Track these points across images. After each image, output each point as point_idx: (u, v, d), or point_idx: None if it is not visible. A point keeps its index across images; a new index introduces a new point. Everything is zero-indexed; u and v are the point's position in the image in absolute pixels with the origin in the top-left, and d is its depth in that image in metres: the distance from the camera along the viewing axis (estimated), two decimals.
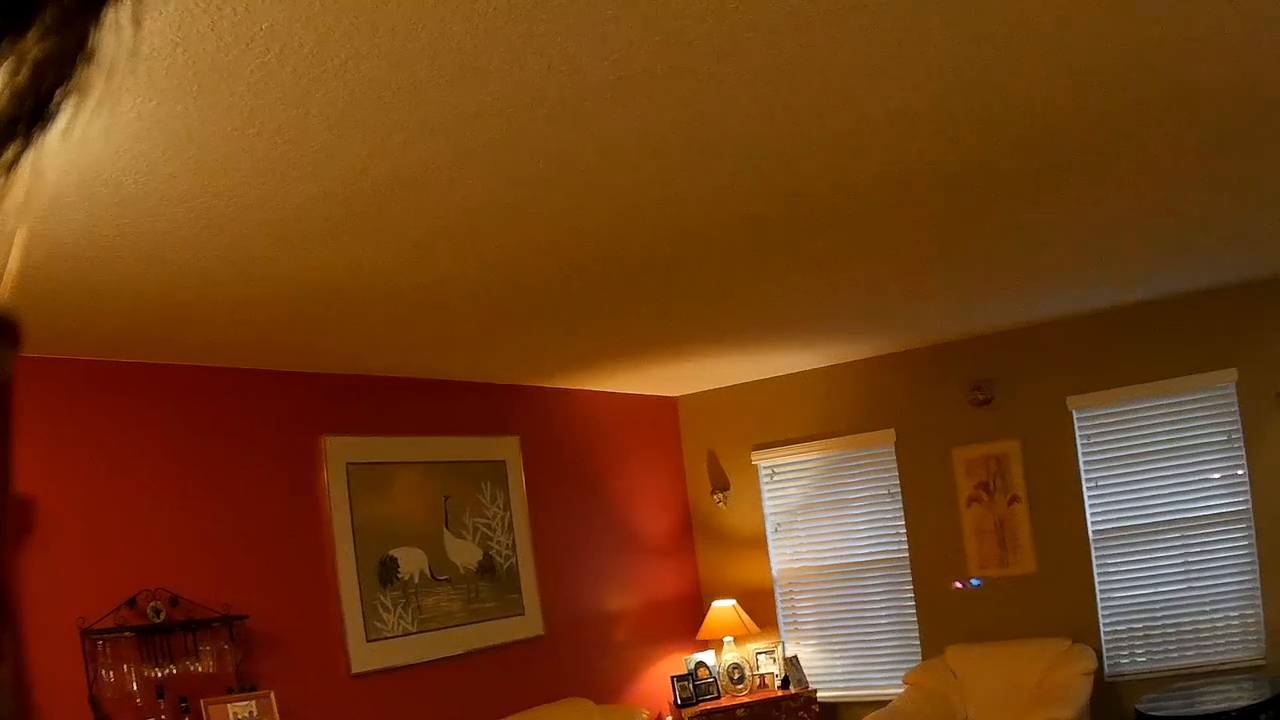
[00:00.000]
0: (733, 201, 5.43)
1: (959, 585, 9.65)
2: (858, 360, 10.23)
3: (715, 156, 4.85)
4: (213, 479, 6.95)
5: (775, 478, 10.77)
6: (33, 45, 0.55)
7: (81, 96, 0.58)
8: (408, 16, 3.39)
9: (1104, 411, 9.21)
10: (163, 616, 6.38)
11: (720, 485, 10.99)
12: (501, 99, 4.02)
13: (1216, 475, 8.88)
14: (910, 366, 10.02)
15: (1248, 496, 8.71)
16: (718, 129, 4.55)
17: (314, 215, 4.86)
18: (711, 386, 10.87)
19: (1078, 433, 9.30)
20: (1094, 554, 9.26)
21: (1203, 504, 8.93)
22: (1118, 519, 9.22)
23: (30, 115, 0.56)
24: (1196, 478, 8.95)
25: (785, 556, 10.76)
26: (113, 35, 0.58)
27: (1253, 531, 8.69)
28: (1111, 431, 9.22)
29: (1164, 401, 9.00)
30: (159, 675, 6.31)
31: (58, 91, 0.57)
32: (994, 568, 9.64)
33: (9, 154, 0.57)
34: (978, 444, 9.71)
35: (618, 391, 10.35)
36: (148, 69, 3.39)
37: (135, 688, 6.20)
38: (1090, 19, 3.84)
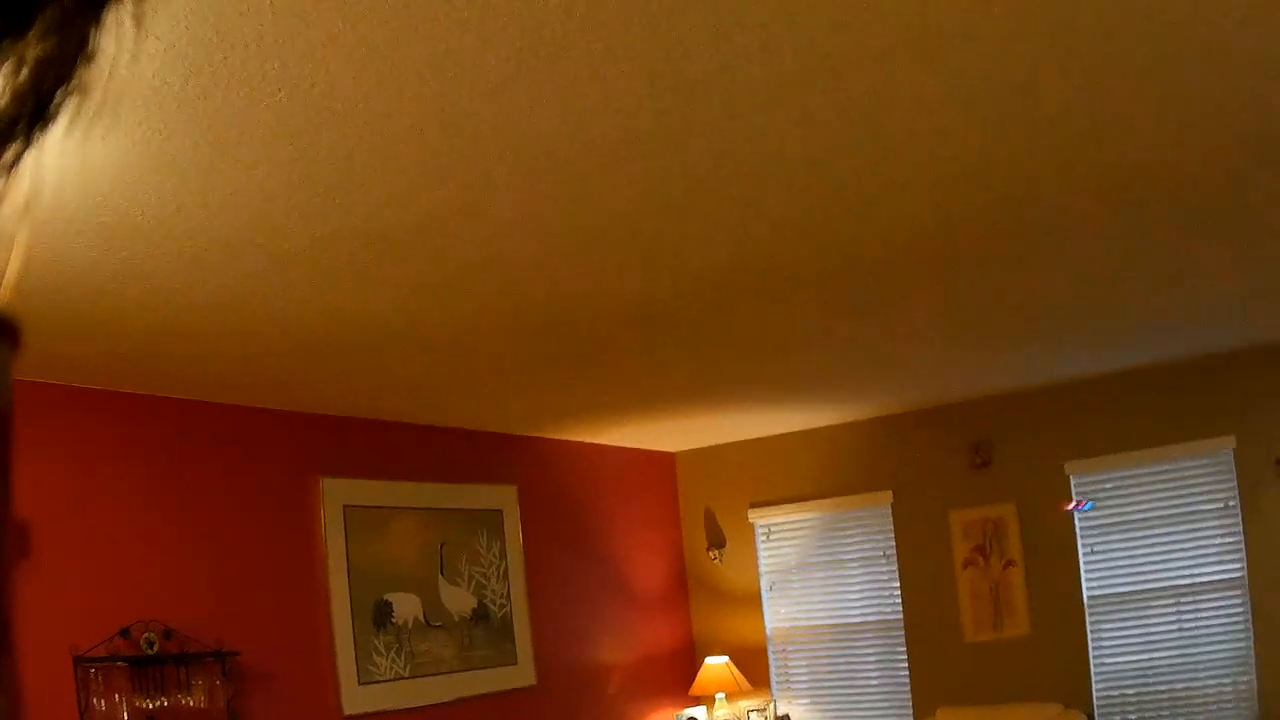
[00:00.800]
0: (733, 260, 5.45)
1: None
2: (857, 421, 10.24)
3: (717, 214, 4.89)
4: (211, 514, 6.94)
5: (771, 536, 10.76)
6: (33, 46, 0.55)
7: (82, 97, 0.58)
8: (417, 63, 3.42)
9: (1101, 477, 9.22)
10: (156, 648, 6.38)
11: (716, 542, 10.98)
12: (509, 150, 4.05)
13: (1213, 542, 8.88)
14: (909, 428, 10.04)
15: (1243, 564, 8.71)
16: (722, 187, 4.58)
17: (320, 257, 4.88)
18: (710, 443, 10.88)
19: (1075, 497, 9.31)
20: (1088, 619, 9.25)
21: (1198, 571, 8.92)
22: (1113, 584, 9.21)
23: (31, 115, 0.57)
24: (1192, 544, 8.95)
25: (780, 615, 10.74)
26: (113, 36, 0.58)
27: (1247, 599, 8.69)
28: (1109, 497, 9.22)
29: (1162, 468, 9.00)
30: (150, 707, 6.29)
31: (59, 92, 0.57)
32: (988, 631, 9.63)
33: (10, 154, 0.57)
34: (975, 507, 9.71)
35: (616, 445, 10.36)
36: (159, 102, 3.42)
37: (126, 718, 6.20)
38: (1091, 88, 3.89)
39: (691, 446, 11.01)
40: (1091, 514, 9.23)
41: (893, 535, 10.12)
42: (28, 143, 0.57)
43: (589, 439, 9.96)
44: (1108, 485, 9.21)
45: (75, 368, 6.03)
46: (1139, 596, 9.11)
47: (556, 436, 9.65)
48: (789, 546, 10.69)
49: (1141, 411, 9.03)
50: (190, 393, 6.85)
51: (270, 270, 4.96)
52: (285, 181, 4.12)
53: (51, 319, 5.12)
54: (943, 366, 8.38)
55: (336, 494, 7.71)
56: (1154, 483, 9.06)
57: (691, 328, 6.58)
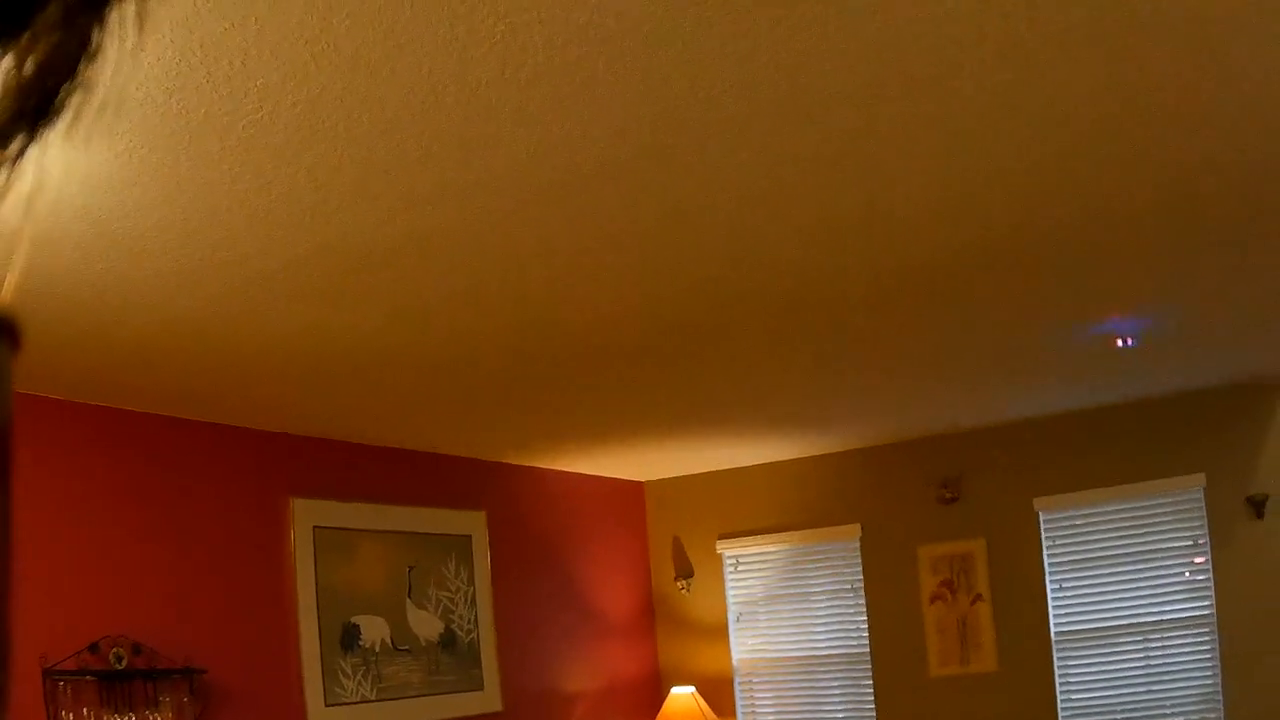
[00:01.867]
0: (705, 293, 5.49)
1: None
2: (826, 454, 10.25)
3: (692, 246, 4.92)
4: (181, 530, 6.92)
5: (739, 567, 10.76)
6: (37, 42, 0.55)
7: (86, 94, 0.58)
8: (400, 85, 3.44)
9: (1071, 513, 9.25)
10: (124, 664, 6.35)
11: (684, 572, 10.98)
12: (489, 175, 4.07)
13: (1181, 579, 8.92)
14: (878, 462, 10.05)
15: (1211, 601, 8.75)
16: (696, 220, 4.61)
17: (297, 276, 4.88)
18: (679, 473, 10.88)
19: (1043, 534, 9.33)
20: (1055, 655, 9.27)
21: (1166, 608, 8.95)
22: (1081, 621, 9.23)
23: (35, 112, 0.57)
24: (1161, 581, 8.98)
25: (746, 646, 10.73)
26: (115, 35, 0.58)
27: (1215, 636, 8.71)
28: (1078, 533, 9.25)
29: (1131, 505, 9.03)
30: None
31: (62, 89, 0.57)
32: (954, 666, 9.64)
33: (13, 149, 0.57)
34: (943, 542, 9.72)
35: (586, 473, 10.36)
36: (142, 114, 3.42)
37: None
38: (1078, 113, 3.92)
39: (661, 476, 11.01)
40: (1060, 550, 9.26)
41: (860, 569, 10.12)
42: (31, 139, 0.57)
43: (559, 466, 9.96)
44: (1077, 522, 9.24)
45: (48, 378, 6.01)
46: (1107, 633, 9.13)
47: (527, 463, 9.65)
48: (757, 578, 10.68)
49: (1112, 448, 9.06)
50: (164, 408, 6.83)
51: (247, 288, 4.96)
52: (265, 199, 4.13)
53: (26, 329, 5.05)
54: (912, 401, 8.41)
55: (307, 515, 7.70)
56: (1124, 520, 9.09)
57: (663, 358, 6.61)
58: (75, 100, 0.58)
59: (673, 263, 5.10)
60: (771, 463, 10.49)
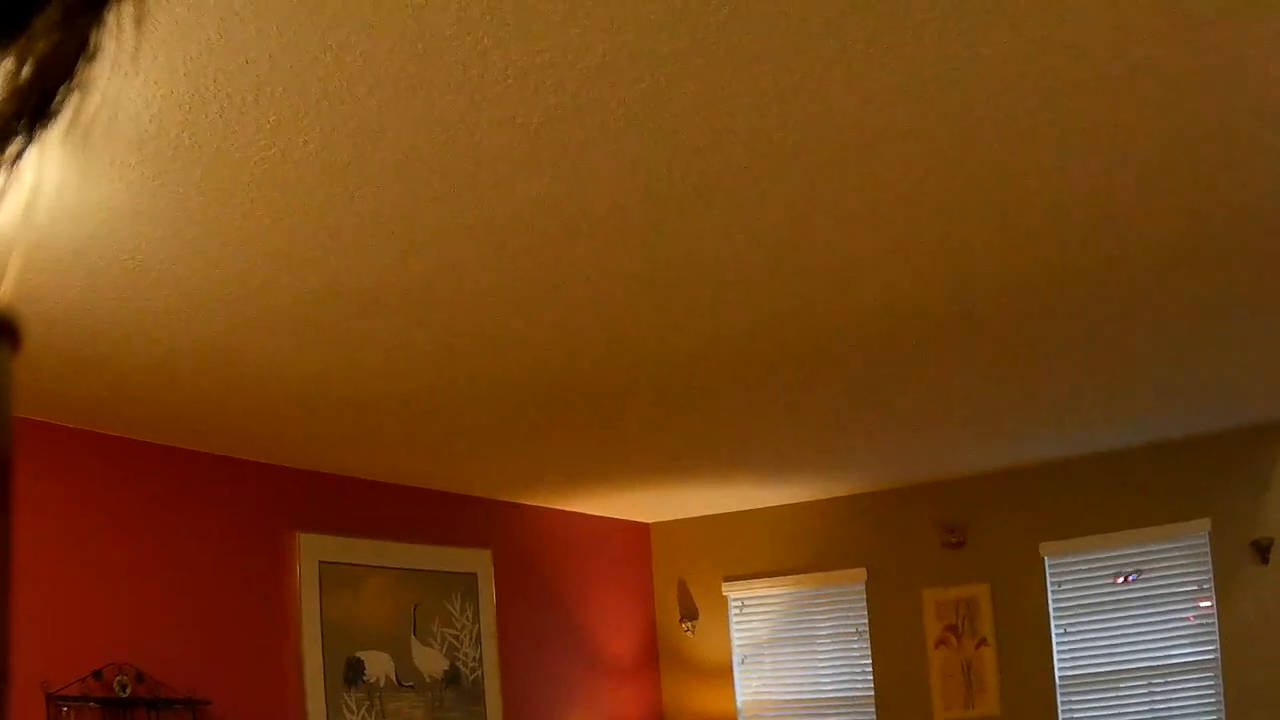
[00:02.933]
0: (713, 338, 5.51)
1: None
2: (832, 498, 10.24)
3: (698, 295, 4.94)
4: (187, 560, 6.92)
5: (745, 610, 10.74)
6: (35, 43, 0.55)
7: (84, 94, 0.58)
8: (411, 128, 3.46)
9: (1076, 558, 9.23)
10: (128, 692, 6.35)
11: (689, 614, 10.96)
12: (500, 218, 4.09)
13: (1186, 623, 8.90)
14: (884, 506, 10.04)
15: (1216, 646, 8.73)
16: (704, 269, 4.64)
17: (305, 314, 4.91)
18: (685, 515, 10.86)
19: (1049, 578, 9.32)
20: (1059, 700, 9.24)
21: (1171, 652, 8.92)
22: (1085, 665, 9.20)
23: (33, 112, 0.57)
24: (1166, 626, 8.96)
25: (751, 689, 10.70)
26: (114, 35, 0.58)
27: (1220, 681, 8.69)
28: (1082, 578, 9.23)
29: (1137, 550, 9.02)
30: None
31: (61, 90, 0.57)
32: (959, 710, 9.61)
33: (12, 151, 0.57)
34: (948, 586, 9.71)
35: (592, 514, 10.35)
36: (154, 147, 3.45)
37: None
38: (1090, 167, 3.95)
39: (667, 518, 10.99)
40: (1065, 595, 9.24)
41: (866, 612, 10.10)
42: (30, 140, 0.58)
43: (565, 506, 9.96)
44: (1082, 566, 9.22)
45: (57, 405, 6.01)
46: (1111, 677, 9.10)
47: (533, 503, 9.65)
48: (762, 621, 10.66)
49: (1117, 493, 9.05)
50: (173, 439, 6.83)
51: (255, 323, 4.99)
52: (276, 235, 4.15)
53: (35, 355, 5.10)
54: (918, 446, 8.41)
55: (313, 549, 7.70)
56: (1129, 565, 9.08)
57: (670, 402, 6.62)
58: (73, 101, 0.58)
59: (681, 308, 5.12)
60: (778, 506, 10.47)
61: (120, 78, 3.00)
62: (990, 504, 9.55)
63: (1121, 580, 9.12)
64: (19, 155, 0.58)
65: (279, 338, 5.19)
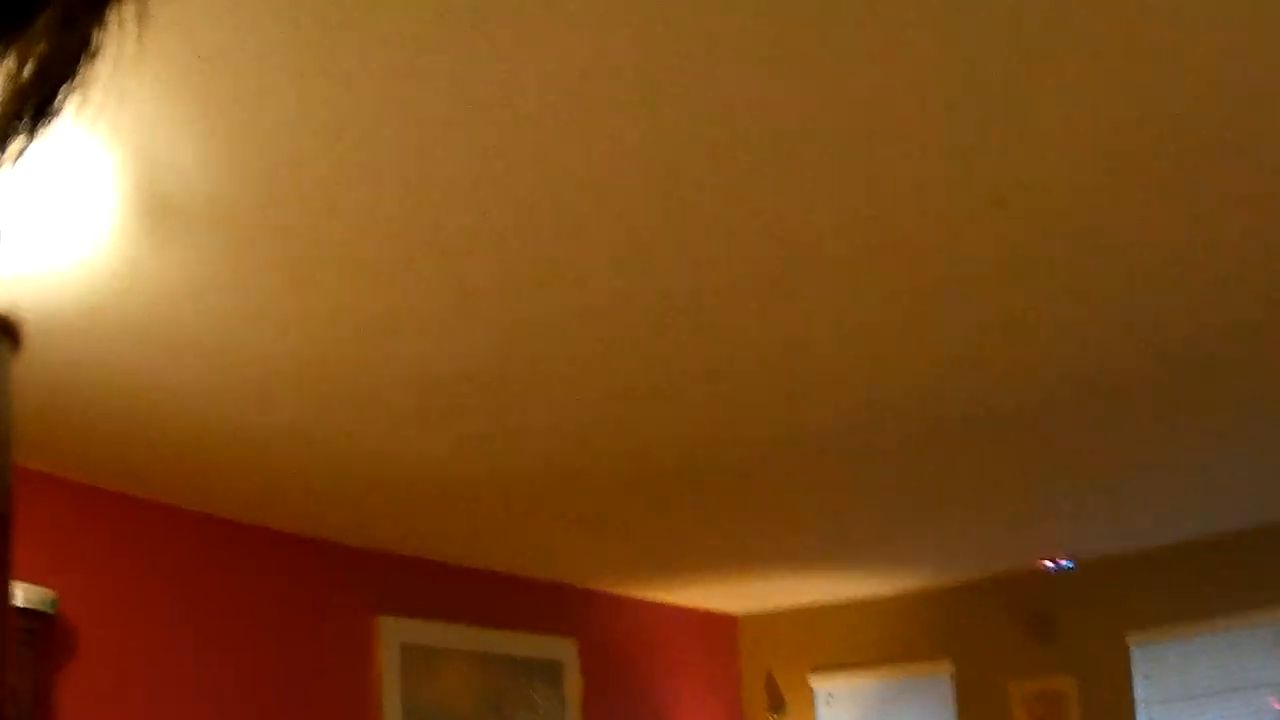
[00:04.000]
0: (800, 425, 5.50)
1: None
2: (920, 589, 10.17)
3: (789, 378, 4.94)
4: (267, 641, 6.91)
5: (832, 702, 10.66)
6: (37, 43, 0.56)
7: (85, 94, 0.59)
8: (501, 208, 3.47)
9: (1164, 648, 9.10)
10: None
11: (777, 706, 10.88)
12: (590, 304, 4.12)
13: (1276, 713, 8.74)
14: (970, 597, 9.96)
15: None
16: (794, 352, 4.66)
17: (390, 396, 4.92)
18: (772, 606, 10.80)
19: (1136, 670, 9.20)
20: None
21: None
22: None
23: (35, 111, 0.58)
24: (1256, 716, 8.81)
25: None
26: (116, 35, 0.59)
27: None
28: (1171, 668, 9.10)
29: (1226, 638, 8.89)
30: None
31: (62, 89, 0.58)
32: None
33: (13, 149, 0.58)
34: (1035, 679, 9.60)
35: (679, 604, 10.33)
36: (231, 221, 3.48)
37: None
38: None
39: (754, 609, 10.94)
40: (1154, 686, 9.09)
41: (953, 704, 10.00)
42: (32, 137, 0.58)
43: (652, 596, 9.94)
44: (1170, 657, 9.09)
45: (134, 478, 5.97)
46: None
47: (619, 592, 9.64)
48: (850, 713, 10.57)
49: (1205, 582, 8.92)
50: (249, 517, 6.79)
51: (339, 404, 4.99)
52: (360, 317, 4.16)
53: (109, 424, 5.10)
54: (1004, 537, 8.36)
55: (395, 633, 7.69)
56: (1218, 654, 8.94)
57: (757, 492, 6.60)
58: (75, 100, 0.60)
59: (766, 398, 5.12)
60: (865, 598, 10.42)
61: (198, 149, 3.07)
62: (1076, 594, 9.44)
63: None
64: (21, 154, 0.59)
65: (363, 419, 5.19)
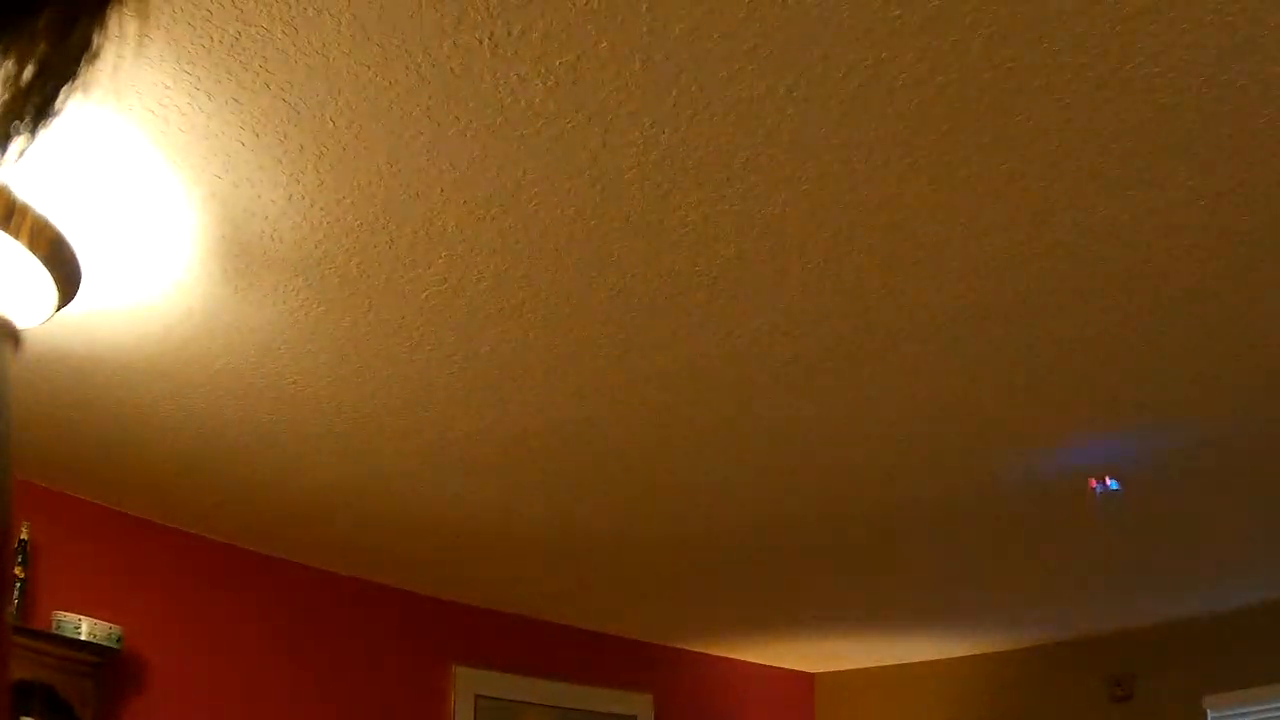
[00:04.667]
0: (878, 489, 5.46)
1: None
2: (996, 651, 10.07)
3: (872, 444, 4.90)
4: (342, 688, 6.91)
5: None
6: (37, 44, 0.57)
7: (85, 94, 0.59)
8: (590, 268, 3.45)
9: (1242, 710, 8.94)
10: None
11: None
12: (667, 369, 4.10)
13: None
14: (1049, 659, 9.84)
15: None
16: (876, 416, 4.60)
17: (473, 450, 4.91)
18: (849, 665, 10.74)
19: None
20: None
21: None
22: None
23: (36, 111, 0.58)
24: None
25: None
26: (115, 35, 0.60)
27: None
28: None
29: None
30: None
31: (63, 89, 0.58)
32: None
33: (15, 148, 0.58)
34: None
35: (755, 662, 10.26)
36: (320, 274, 3.48)
37: None
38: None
39: (831, 668, 10.88)
40: None
41: None
42: (32, 137, 0.59)
43: (729, 654, 9.88)
44: (1249, 719, 8.93)
45: (212, 522, 6.02)
46: None
47: (696, 648, 9.58)
48: None
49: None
50: (329, 564, 6.83)
51: (418, 456, 5.00)
52: (444, 372, 4.16)
53: (182, 463, 5.13)
54: (1083, 600, 8.27)
55: (469, 683, 7.67)
56: None
57: (836, 555, 6.57)
58: (75, 100, 0.59)
59: (849, 463, 5.09)
60: (943, 659, 10.33)
61: (282, 196, 3.06)
62: (1154, 657, 9.31)
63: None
64: (22, 154, 0.59)
65: (442, 472, 5.19)
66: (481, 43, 2.54)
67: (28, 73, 0.57)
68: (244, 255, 3.36)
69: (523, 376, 4.19)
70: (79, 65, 0.58)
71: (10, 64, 0.56)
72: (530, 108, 2.76)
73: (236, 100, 2.70)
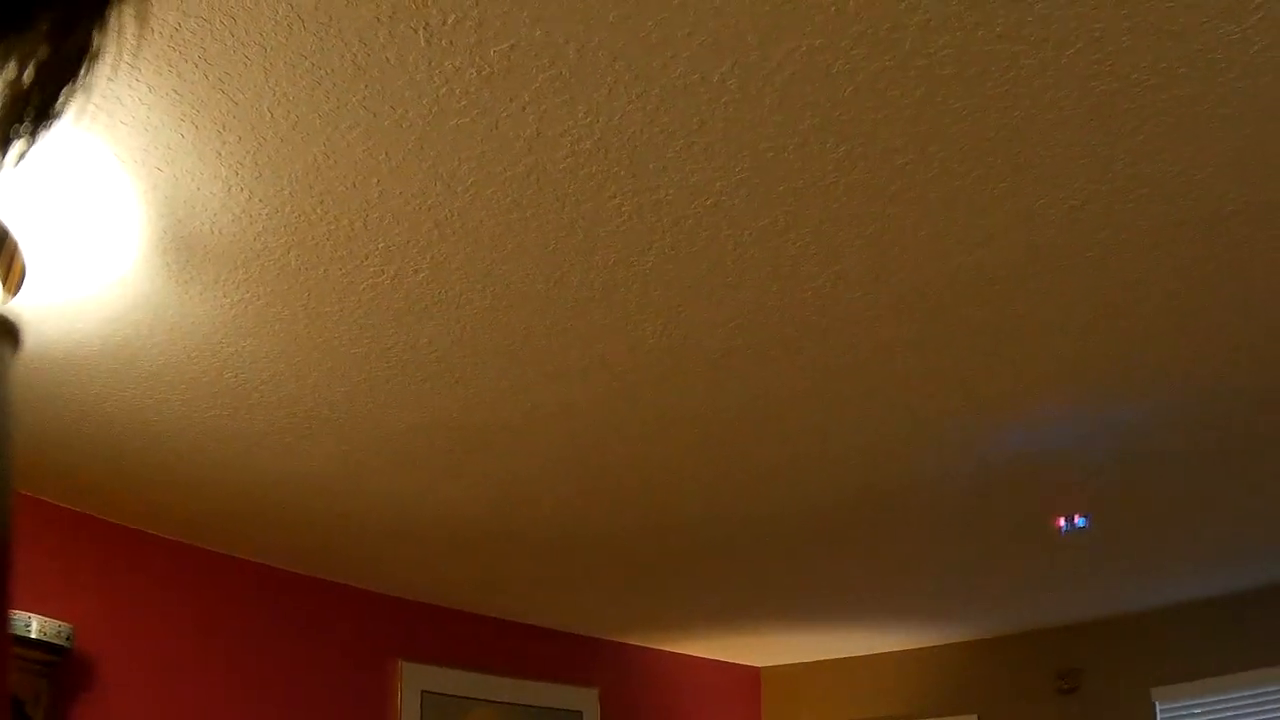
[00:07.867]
0: (831, 486, 5.48)
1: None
2: (943, 644, 10.12)
3: (821, 443, 4.92)
4: (284, 682, 6.88)
5: None
6: (38, 45, 0.56)
7: (87, 95, 0.60)
8: (525, 260, 3.46)
9: (1190, 703, 9.01)
10: None
11: None
12: (606, 359, 4.10)
13: None
14: (995, 652, 9.89)
15: None
16: (812, 406, 4.62)
17: (412, 444, 4.90)
18: (795, 660, 10.77)
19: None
20: None
21: None
22: None
23: (37, 113, 0.58)
24: None
25: None
26: (115, 36, 0.60)
27: None
28: None
29: (1252, 693, 8.79)
30: None
31: (64, 91, 0.58)
32: None
33: (16, 150, 0.59)
34: None
35: (701, 656, 10.28)
36: (260, 266, 3.48)
37: None
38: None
39: (777, 662, 10.90)
40: None
41: None
42: (33, 139, 0.59)
43: (675, 648, 9.89)
44: (1197, 712, 9.00)
45: (152, 516, 5.96)
46: None
47: (642, 643, 9.59)
48: None
49: (1230, 637, 8.85)
50: (271, 559, 6.78)
51: (360, 450, 4.98)
52: (383, 365, 4.16)
53: (129, 460, 5.09)
54: (1030, 594, 8.31)
55: (416, 679, 7.65)
56: (1244, 708, 8.84)
57: (784, 549, 6.58)
58: (76, 102, 0.60)
59: (789, 456, 5.11)
60: (889, 652, 10.36)
61: (223, 187, 3.06)
62: (1102, 649, 9.38)
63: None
64: (22, 156, 0.59)
65: (384, 465, 5.17)
66: (417, 32, 2.55)
67: (28, 75, 0.57)
68: (186, 249, 3.36)
69: (463, 368, 4.19)
70: (80, 67, 0.59)
71: (10, 66, 0.56)
72: (465, 97, 2.78)
73: (177, 92, 2.70)
